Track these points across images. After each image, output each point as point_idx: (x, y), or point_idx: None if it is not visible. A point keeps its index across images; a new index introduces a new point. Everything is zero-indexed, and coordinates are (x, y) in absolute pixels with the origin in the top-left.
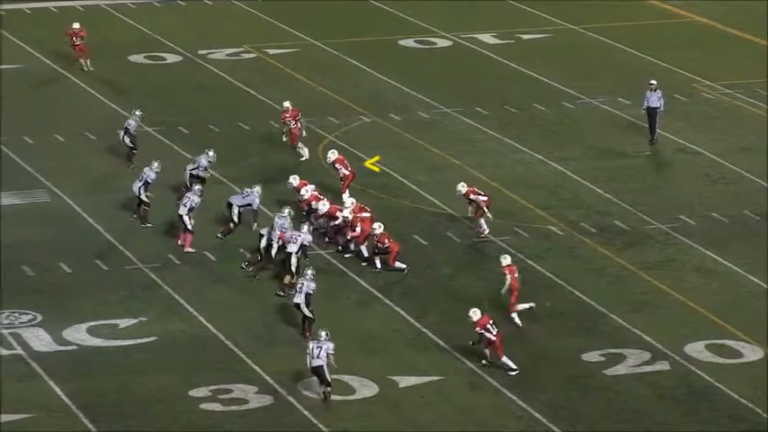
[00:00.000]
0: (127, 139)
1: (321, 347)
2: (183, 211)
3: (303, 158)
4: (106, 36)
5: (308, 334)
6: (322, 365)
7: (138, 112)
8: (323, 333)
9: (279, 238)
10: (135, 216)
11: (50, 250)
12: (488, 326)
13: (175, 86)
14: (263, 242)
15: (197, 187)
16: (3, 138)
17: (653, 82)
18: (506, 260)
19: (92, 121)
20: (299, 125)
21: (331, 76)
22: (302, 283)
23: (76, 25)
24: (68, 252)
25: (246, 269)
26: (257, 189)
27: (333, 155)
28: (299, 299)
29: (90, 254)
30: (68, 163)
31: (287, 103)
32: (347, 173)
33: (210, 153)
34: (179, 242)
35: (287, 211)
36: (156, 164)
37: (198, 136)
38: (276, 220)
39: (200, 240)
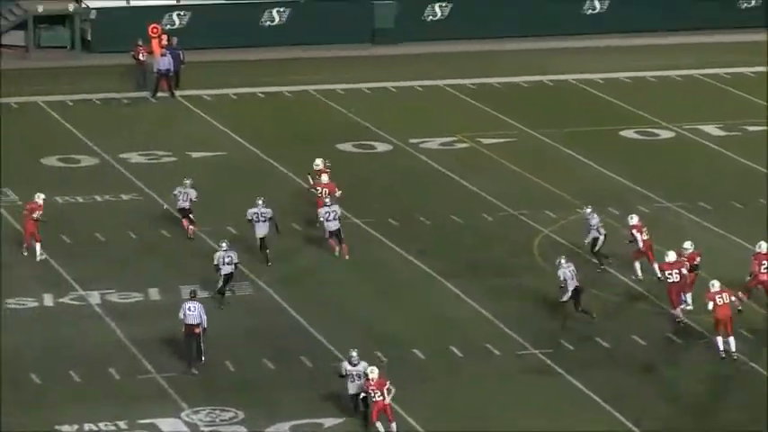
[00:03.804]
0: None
1: None
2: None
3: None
4: (314, 123)
5: None
6: None
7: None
8: None
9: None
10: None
11: (253, 345)
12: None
13: (385, 176)
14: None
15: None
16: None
17: None
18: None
19: (296, 210)
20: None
21: (547, 167)
22: None
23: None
24: (271, 348)
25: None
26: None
27: (632, 219)
28: None
29: (295, 350)
30: (273, 253)
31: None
32: (644, 240)
33: (187, 182)
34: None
35: (563, 261)
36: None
37: (408, 228)
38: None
39: None
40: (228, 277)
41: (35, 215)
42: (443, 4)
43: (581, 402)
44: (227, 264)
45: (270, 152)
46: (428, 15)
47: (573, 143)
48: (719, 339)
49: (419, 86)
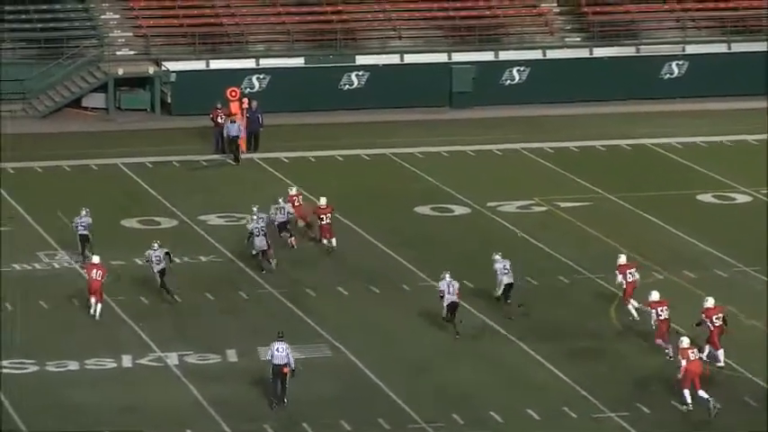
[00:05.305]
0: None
1: None
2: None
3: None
4: (392, 186)
5: None
6: None
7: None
8: None
9: None
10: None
11: (331, 406)
12: None
13: (462, 239)
14: None
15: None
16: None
17: None
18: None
19: (375, 273)
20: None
21: (624, 230)
22: None
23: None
24: (349, 409)
25: None
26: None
27: (619, 259)
28: None
29: (372, 412)
30: (352, 316)
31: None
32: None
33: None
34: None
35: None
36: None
37: (484, 291)
38: None
39: None
40: (162, 272)
41: (95, 275)
42: (521, 68)
43: None
44: (157, 263)
45: (348, 214)
46: (506, 79)
47: (650, 207)
48: (687, 392)
49: (497, 150)
